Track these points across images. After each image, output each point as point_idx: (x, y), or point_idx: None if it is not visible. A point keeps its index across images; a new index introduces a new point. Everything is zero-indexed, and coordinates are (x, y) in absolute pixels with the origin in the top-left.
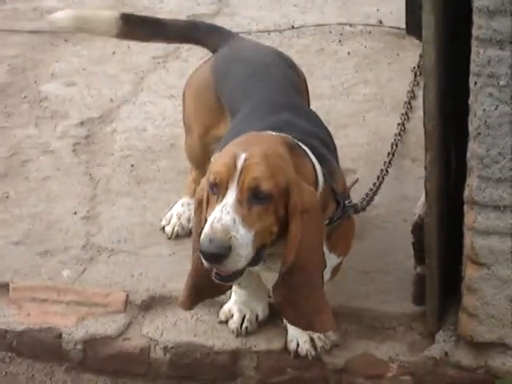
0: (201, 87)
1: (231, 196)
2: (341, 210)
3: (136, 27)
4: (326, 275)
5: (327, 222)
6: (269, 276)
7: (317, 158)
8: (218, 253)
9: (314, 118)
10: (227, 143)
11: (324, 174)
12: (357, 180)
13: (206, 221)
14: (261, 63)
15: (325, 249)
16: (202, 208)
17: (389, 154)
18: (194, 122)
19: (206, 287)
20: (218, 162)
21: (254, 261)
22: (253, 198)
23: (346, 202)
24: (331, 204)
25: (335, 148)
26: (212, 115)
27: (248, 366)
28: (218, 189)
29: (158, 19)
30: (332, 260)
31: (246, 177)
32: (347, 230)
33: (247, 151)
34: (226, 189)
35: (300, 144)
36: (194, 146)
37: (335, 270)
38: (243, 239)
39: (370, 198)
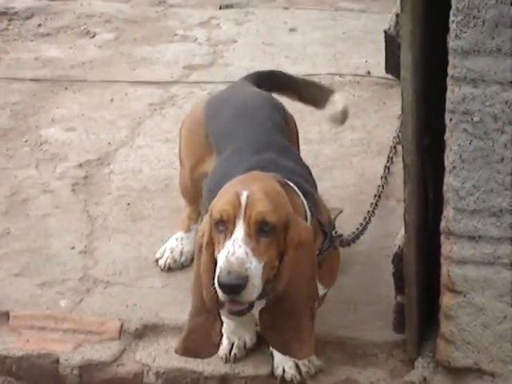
0: (193, 125)
1: (240, 231)
2: (328, 240)
3: None
4: None
5: (317, 252)
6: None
7: (302, 193)
8: (238, 283)
9: (295, 157)
10: (214, 180)
11: (310, 208)
12: (341, 211)
13: (215, 260)
14: (248, 105)
15: None
16: (204, 251)
17: (375, 195)
18: (185, 157)
19: (203, 330)
20: (221, 200)
21: (261, 295)
22: (260, 231)
23: (333, 232)
24: (319, 235)
25: (315, 184)
26: (201, 151)
27: None
28: (224, 226)
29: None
30: (319, 290)
31: (252, 212)
32: (334, 261)
33: (248, 189)
34: (234, 225)
35: (287, 181)
36: (185, 181)
37: (321, 300)
38: (256, 270)
39: (357, 234)
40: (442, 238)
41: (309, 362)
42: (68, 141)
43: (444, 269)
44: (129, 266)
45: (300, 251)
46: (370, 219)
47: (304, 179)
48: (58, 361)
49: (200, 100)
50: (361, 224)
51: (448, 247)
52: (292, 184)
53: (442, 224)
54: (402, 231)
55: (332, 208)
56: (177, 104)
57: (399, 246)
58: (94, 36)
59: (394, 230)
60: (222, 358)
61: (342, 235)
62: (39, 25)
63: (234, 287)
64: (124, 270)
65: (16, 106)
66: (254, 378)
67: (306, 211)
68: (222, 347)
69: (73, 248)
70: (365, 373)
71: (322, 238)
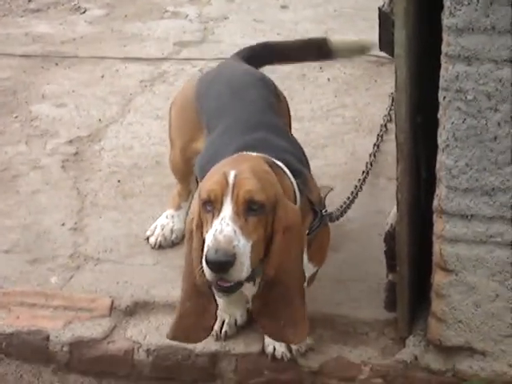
0: (184, 103)
1: (228, 209)
2: (319, 219)
3: None
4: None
5: (307, 232)
6: (246, 284)
7: (291, 172)
8: (225, 261)
9: (286, 135)
10: (206, 158)
11: (300, 187)
12: (331, 189)
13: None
14: (239, 83)
15: (304, 258)
16: (194, 235)
17: (363, 172)
18: (176, 136)
19: (194, 315)
20: (209, 181)
21: (251, 276)
22: (248, 209)
23: (323, 211)
24: (309, 215)
25: (307, 162)
26: (192, 130)
27: (227, 368)
28: (212, 205)
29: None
30: (310, 269)
31: (240, 190)
32: (324, 240)
33: (236, 169)
34: (221, 204)
35: (275, 161)
36: (176, 159)
37: (311, 278)
38: (244, 248)
39: (344, 208)
40: (434, 216)
41: None
42: (58, 117)
43: (436, 247)
44: (119, 243)
45: (288, 235)
46: (357, 194)
47: (295, 158)
48: (48, 338)
49: (191, 77)
50: (348, 198)
51: (440, 226)
52: (281, 163)
53: (435, 202)
54: (395, 209)
55: (322, 186)
56: (167, 81)
57: (391, 225)
58: (84, 12)
59: (385, 208)
60: (212, 335)
61: (332, 213)
62: (29, 0)
63: (222, 264)
64: (114, 247)
65: (6, 82)
66: (245, 356)
67: (294, 191)
68: None
69: (63, 225)
70: (355, 351)
71: (311, 217)
